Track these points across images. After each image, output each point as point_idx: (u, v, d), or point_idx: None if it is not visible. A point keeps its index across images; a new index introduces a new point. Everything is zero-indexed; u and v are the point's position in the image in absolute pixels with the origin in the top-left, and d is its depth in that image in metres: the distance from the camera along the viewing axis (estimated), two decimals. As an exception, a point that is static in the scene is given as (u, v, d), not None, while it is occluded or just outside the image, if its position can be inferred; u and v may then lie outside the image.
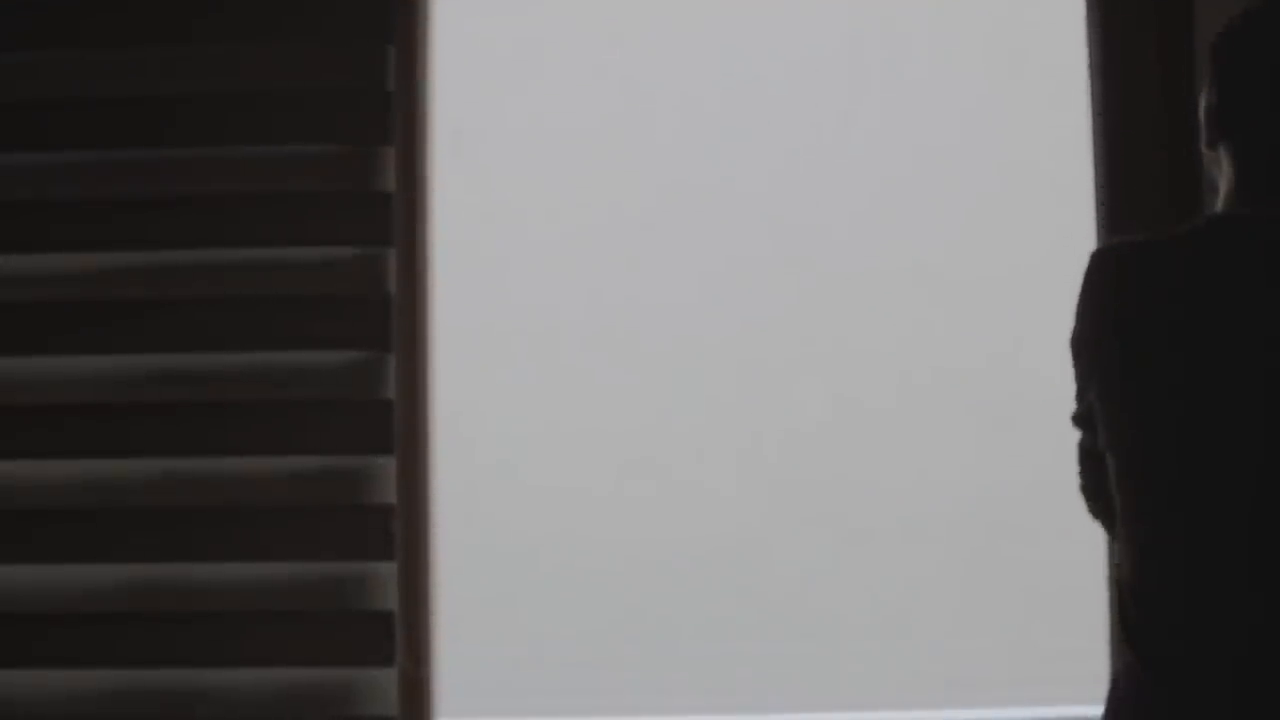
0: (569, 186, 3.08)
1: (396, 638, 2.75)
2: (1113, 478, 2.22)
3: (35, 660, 2.79)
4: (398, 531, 2.77)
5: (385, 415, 2.78)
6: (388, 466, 2.78)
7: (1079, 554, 2.83)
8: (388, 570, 2.77)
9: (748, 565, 3.07)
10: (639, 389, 3.13)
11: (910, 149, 3.00)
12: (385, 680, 2.76)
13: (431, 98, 2.87)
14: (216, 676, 2.76)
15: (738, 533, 3.09)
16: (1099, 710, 2.73)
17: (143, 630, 2.78)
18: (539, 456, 3.05)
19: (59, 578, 2.80)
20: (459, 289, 2.93)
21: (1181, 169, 2.74)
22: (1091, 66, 2.82)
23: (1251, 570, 2.11)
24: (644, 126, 3.13)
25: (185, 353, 2.81)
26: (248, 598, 2.77)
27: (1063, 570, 2.75)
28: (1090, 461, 2.37)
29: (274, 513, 2.78)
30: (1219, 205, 2.26)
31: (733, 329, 3.09)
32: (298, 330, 2.80)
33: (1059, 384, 2.92)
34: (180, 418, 2.80)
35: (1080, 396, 2.30)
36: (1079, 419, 2.35)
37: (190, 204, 2.82)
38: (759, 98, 3.10)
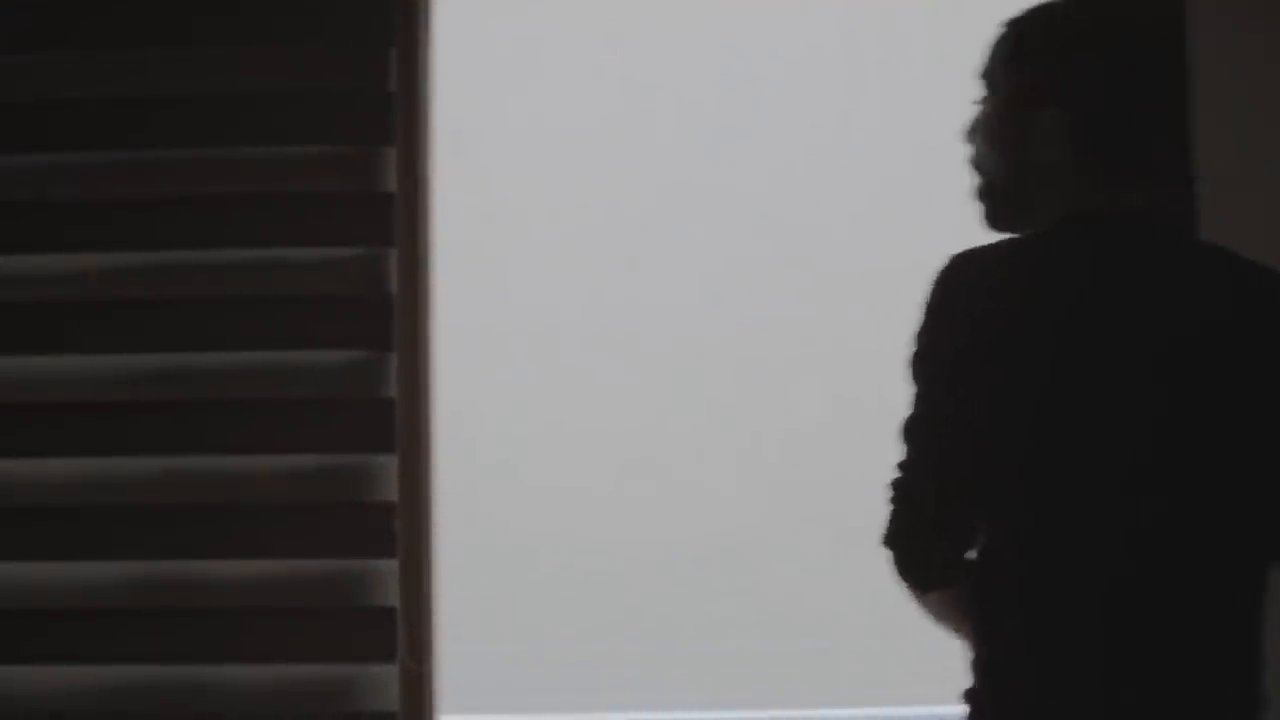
0: (569, 186, 3.10)
1: (398, 634, 2.77)
2: (960, 510, 2.11)
3: (36, 657, 2.80)
4: (399, 529, 2.78)
5: (386, 414, 2.79)
6: (389, 465, 2.79)
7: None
8: (389, 568, 2.78)
9: (747, 564, 3.09)
10: (639, 389, 3.14)
11: (908, 149, 3.01)
12: (386, 676, 2.77)
13: (432, 98, 2.87)
14: (218, 672, 2.77)
15: (737, 532, 3.10)
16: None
17: (144, 627, 2.79)
18: (539, 455, 3.07)
19: (60, 574, 2.81)
20: (460, 289, 2.95)
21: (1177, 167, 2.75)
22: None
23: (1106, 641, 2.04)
24: (644, 126, 3.15)
25: (187, 352, 2.82)
26: (249, 595, 2.78)
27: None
28: (919, 496, 2.14)
29: (276, 510, 2.79)
30: (1060, 205, 2.17)
31: (732, 329, 3.10)
32: (299, 329, 2.81)
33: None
34: (182, 416, 2.81)
35: (925, 419, 2.12)
36: (919, 445, 2.13)
37: (191, 204, 2.83)
38: (758, 98, 3.12)
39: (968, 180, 2.24)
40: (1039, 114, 2.15)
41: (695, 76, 2.90)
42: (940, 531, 2.12)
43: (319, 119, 2.83)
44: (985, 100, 2.23)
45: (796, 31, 3.03)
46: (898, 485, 2.14)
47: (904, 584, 2.17)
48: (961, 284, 2.09)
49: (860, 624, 2.93)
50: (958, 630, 2.19)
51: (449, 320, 2.88)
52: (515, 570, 3.01)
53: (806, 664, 2.89)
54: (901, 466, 2.13)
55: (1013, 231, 2.21)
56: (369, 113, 2.83)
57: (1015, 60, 2.19)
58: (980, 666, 2.12)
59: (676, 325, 2.96)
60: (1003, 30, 2.22)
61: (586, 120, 3.04)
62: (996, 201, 2.22)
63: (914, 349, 2.12)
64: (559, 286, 2.86)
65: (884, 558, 2.15)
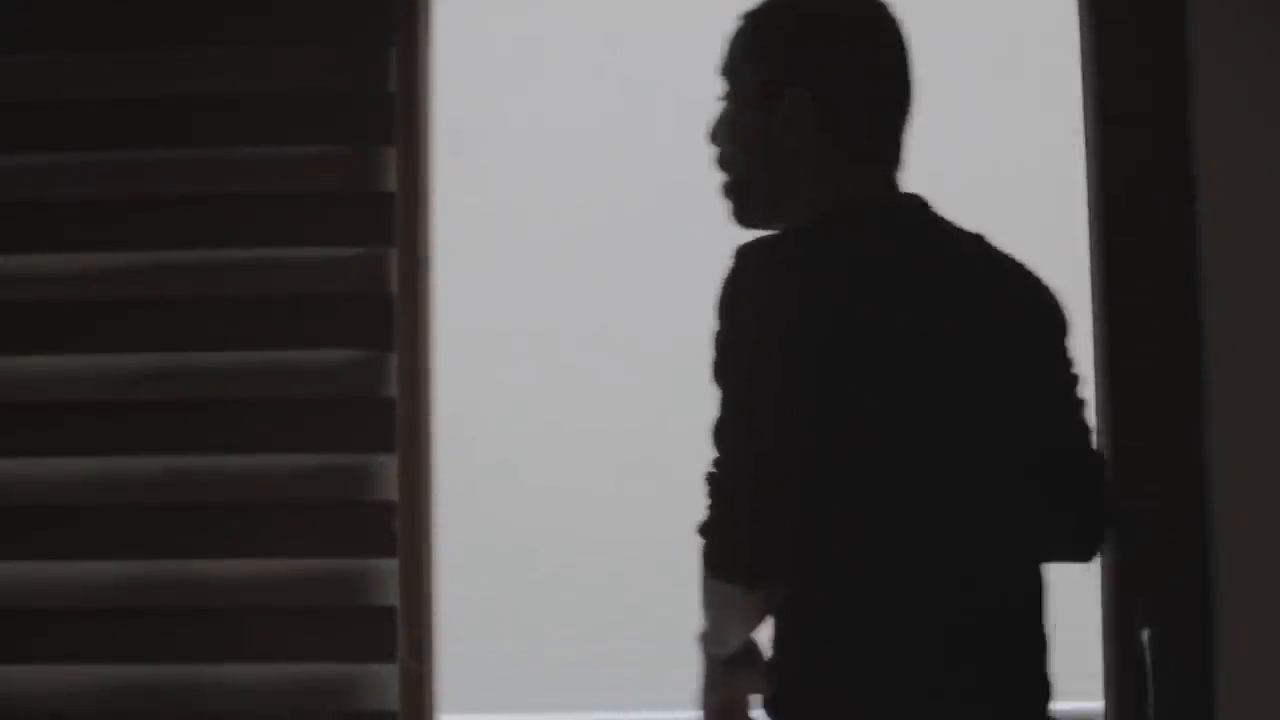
0: (569, 186, 3.10)
1: (398, 634, 2.77)
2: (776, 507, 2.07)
3: (36, 657, 2.81)
4: (399, 529, 2.78)
5: (387, 413, 2.79)
6: (389, 464, 2.80)
7: (1074, 551, 2.84)
8: (389, 567, 2.78)
9: (746, 563, 3.08)
10: (639, 389, 3.15)
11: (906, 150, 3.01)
12: (386, 675, 2.77)
13: (433, 98, 2.88)
14: (218, 672, 2.78)
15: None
16: (1093, 705, 2.75)
17: (143, 626, 2.79)
18: (539, 455, 3.07)
19: (60, 574, 2.81)
20: (460, 288, 2.95)
21: (1175, 167, 2.75)
22: (1084, 66, 2.83)
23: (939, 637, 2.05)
24: (643, 126, 3.15)
25: (186, 352, 2.82)
26: (249, 594, 2.78)
27: (1057, 566, 2.77)
28: (739, 489, 2.09)
29: (275, 510, 2.79)
30: (823, 192, 2.15)
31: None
32: (299, 329, 2.81)
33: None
34: (182, 416, 2.81)
35: (732, 419, 2.08)
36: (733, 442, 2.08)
37: (191, 204, 2.84)
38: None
39: (715, 179, 2.22)
40: (781, 101, 2.15)
41: (695, 76, 2.90)
42: (753, 530, 2.07)
43: (319, 119, 2.83)
44: (727, 96, 2.22)
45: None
46: (712, 481, 2.09)
47: (711, 575, 2.12)
48: (751, 280, 2.07)
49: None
50: (739, 631, 2.14)
51: (449, 319, 2.88)
52: (515, 570, 3.01)
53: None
54: (716, 465, 2.09)
55: (764, 227, 2.19)
56: (369, 113, 2.83)
57: (754, 51, 2.18)
58: (790, 670, 2.08)
59: (676, 325, 2.97)
60: (741, 23, 2.22)
61: (586, 120, 3.05)
62: (745, 197, 2.22)
63: (715, 349, 2.09)
64: (559, 286, 2.86)
65: (698, 546, 2.12)
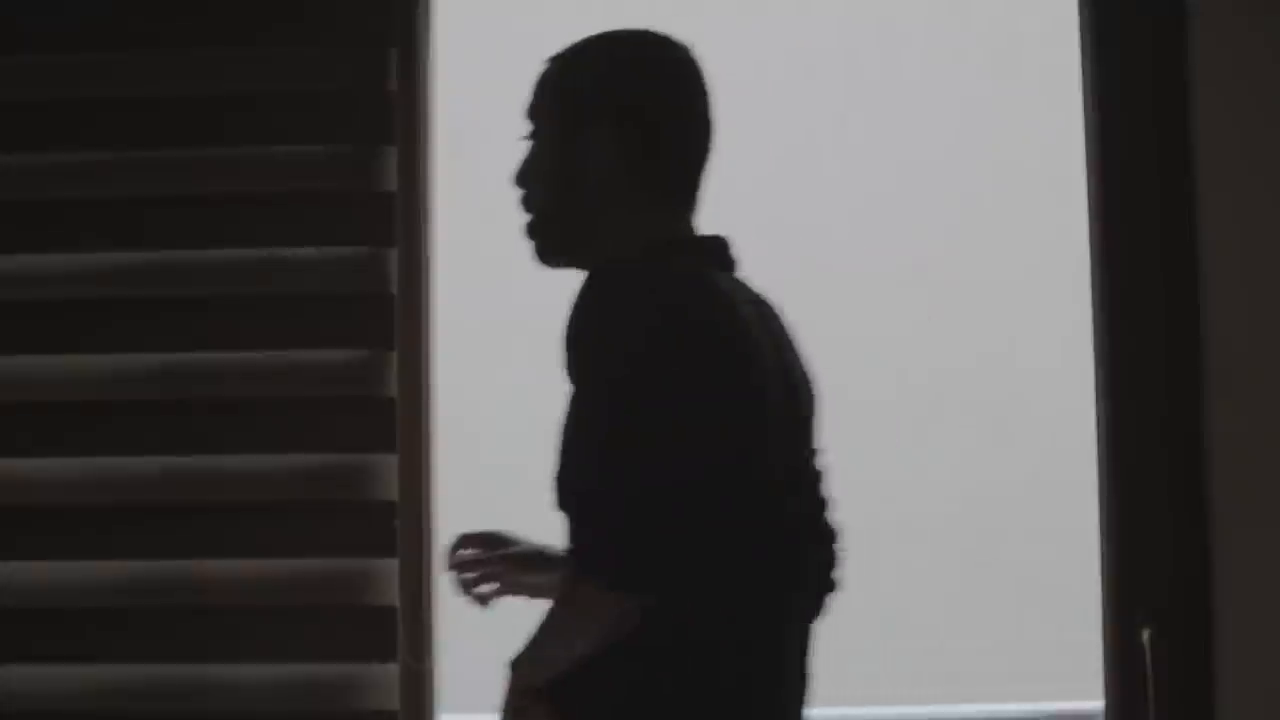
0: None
1: (398, 634, 2.77)
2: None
3: (37, 656, 2.81)
4: (399, 529, 2.78)
5: (387, 413, 2.80)
6: (390, 463, 2.80)
7: (1074, 550, 2.85)
8: (390, 566, 2.78)
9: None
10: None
11: (906, 150, 3.02)
12: (387, 675, 2.77)
13: (433, 98, 2.88)
14: (219, 671, 2.78)
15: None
16: (1093, 705, 2.76)
17: (144, 626, 2.79)
18: (540, 455, 3.07)
19: (60, 574, 2.81)
20: (460, 288, 2.95)
21: (1176, 169, 2.75)
22: (1085, 66, 2.84)
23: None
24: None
25: (188, 352, 2.82)
26: (250, 593, 2.78)
27: (1056, 566, 2.78)
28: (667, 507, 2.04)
29: (275, 510, 2.80)
30: (630, 229, 2.19)
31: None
32: (299, 329, 2.81)
33: (1053, 384, 2.94)
34: (182, 416, 2.81)
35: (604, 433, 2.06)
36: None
37: (192, 204, 2.84)
38: (755, 99, 3.12)
39: (522, 219, 2.24)
40: (587, 141, 2.18)
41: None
42: (663, 543, 2.03)
43: (319, 119, 2.83)
44: (533, 136, 2.25)
45: (794, 32, 3.04)
46: (616, 493, 2.03)
47: (608, 585, 2.04)
48: (619, 309, 2.06)
49: (858, 622, 2.93)
50: (580, 653, 2.08)
51: (450, 319, 2.88)
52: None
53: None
54: (614, 476, 2.04)
55: (565, 265, 2.23)
56: (369, 113, 2.83)
57: (562, 92, 2.22)
58: (638, 686, 2.06)
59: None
60: (548, 64, 2.26)
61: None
62: (549, 236, 2.24)
63: (621, 362, 2.05)
64: (559, 286, 2.86)
65: (589, 556, 2.04)
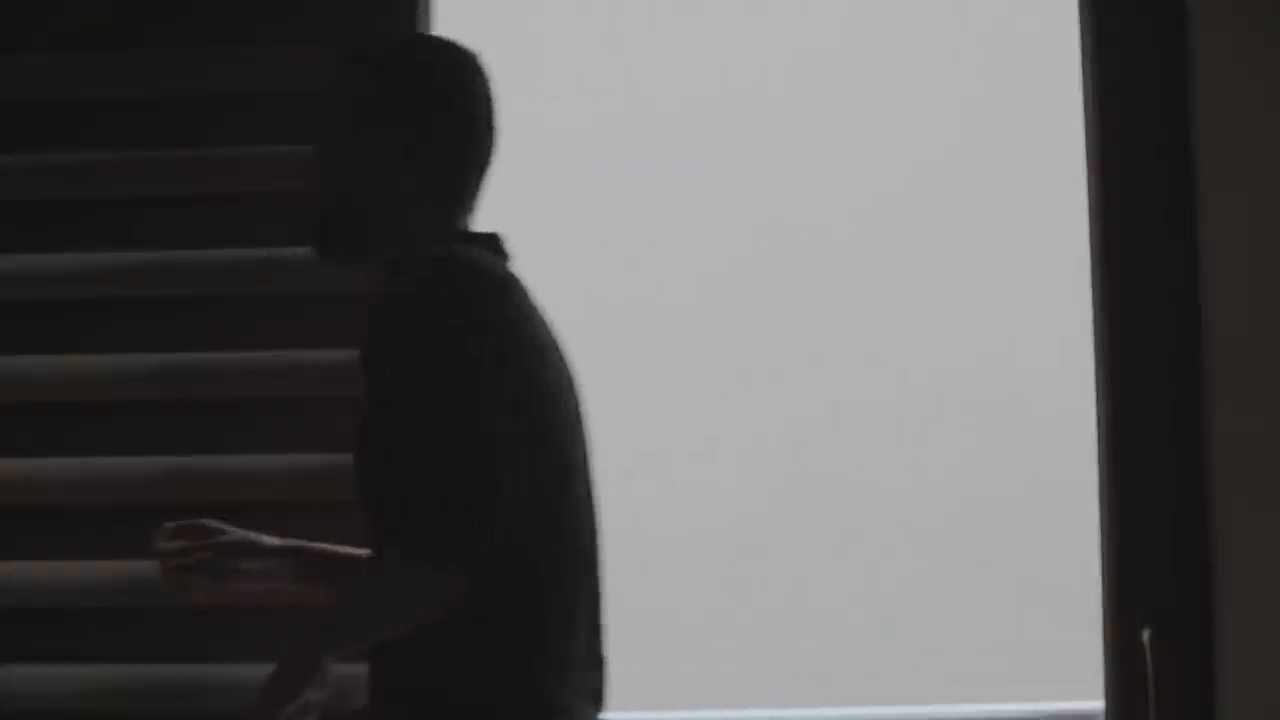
0: (569, 187, 3.11)
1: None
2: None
3: (37, 656, 2.81)
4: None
5: (387, 413, 2.79)
6: (389, 464, 2.79)
7: (1074, 550, 2.86)
8: (389, 567, 2.78)
9: (747, 562, 3.10)
10: (640, 389, 3.16)
11: (907, 151, 3.02)
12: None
13: (432, 99, 2.88)
14: (219, 671, 2.78)
15: (737, 530, 3.11)
16: (1094, 704, 2.76)
17: (144, 626, 2.79)
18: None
19: (61, 574, 2.81)
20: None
21: (1177, 169, 2.75)
22: (1086, 67, 2.84)
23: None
24: (643, 128, 3.16)
25: (188, 352, 2.82)
26: (250, 593, 2.78)
27: (1057, 566, 2.79)
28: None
29: (276, 510, 2.80)
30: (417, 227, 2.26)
31: (732, 329, 3.11)
32: (300, 328, 2.82)
33: (1054, 383, 2.94)
34: (182, 416, 2.82)
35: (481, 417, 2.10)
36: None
37: (192, 204, 2.84)
38: (757, 100, 3.13)
39: (313, 218, 2.29)
40: (377, 140, 2.25)
41: (695, 79, 2.91)
42: (474, 529, 2.06)
43: (319, 118, 2.83)
44: (326, 132, 2.30)
45: (796, 34, 3.04)
46: (444, 471, 2.06)
47: (432, 563, 2.05)
48: (418, 301, 2.10)
49: (860, 622, 2.94)
50: (387, 634, 2.09)
51: (449, 320, 2.87)
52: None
53: (806, 662, 2.90)
54: (444, 466, 2.06)
55: (347, 259, 2.28)
56: (369, 113, 2.83)
57: (355, 91, 2.28)
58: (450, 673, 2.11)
59: (677, 325, 2.97)
60: (344, 63, 2.31)
61: (586, 121, 3.05)
62: (333, 230, 2.28)
63: (454, 343, 2.09)
64: (560, 287, 2.87)
65: (413, 529, 2.05)
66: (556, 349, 2.25)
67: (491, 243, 2.28)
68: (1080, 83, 2.83)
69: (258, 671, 2.77)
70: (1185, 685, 2.68)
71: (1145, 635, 2.67)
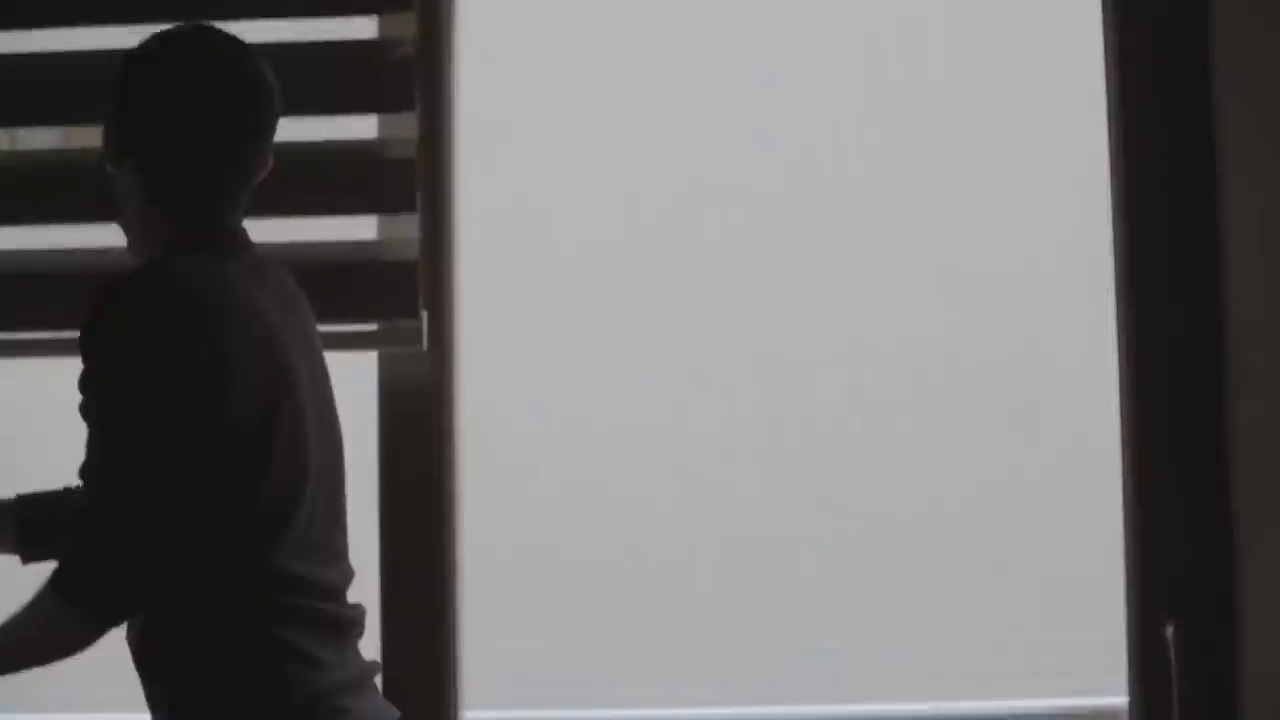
0: (590, 186, 3.11)
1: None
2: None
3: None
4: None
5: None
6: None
7: (1096, 547, 2.85)
8: (413, 566, 2.79)
9: (768, 561, 3.10)
10: (660, 388, 3.15)
11: (927, 148, 3.02)
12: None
13: (455, 100, 2.88)
14: None
15: (758, 529, 3.11)
16: (1117, 701, 2.76)
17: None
18: (561, 454, 3.08)
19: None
20: (482, 289, 2.96)
21: (1199, 167, 2.75)
22: (1108, 63, 2.84)
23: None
24: (664, 126, 3.16)
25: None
26: None
27: (1079, 563, 2.78)
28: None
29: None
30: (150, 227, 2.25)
31: (752, 328, 3.11)
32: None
33: (1077, 381, 2.94)
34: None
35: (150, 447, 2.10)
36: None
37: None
38: (777, 97, 3.13)
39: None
40: (114, 162, 2.25)
41: (715, 76, 2.91)
42: (153, 566, 2.08)
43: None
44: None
45: (815, 31, 3.04)
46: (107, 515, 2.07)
47: (76, 615, 2.07)
48: (105, 319, 2.12)
49: (880, 620, 2.93)
50: (43, 663, 2.12)
51: (471, 320, 2.89)
52: (539, 567, 3.02)
53: (827, 660, 2.90)
54: (117, 494, 2.07)
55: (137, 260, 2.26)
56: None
57: (110, 116, 2.26)
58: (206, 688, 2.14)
59: (698, 324, 2.97)
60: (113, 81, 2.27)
61: (608, 120, 3.05)
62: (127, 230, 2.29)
63: (136, 370, 2.09)
64: (580, 286, 2.87)
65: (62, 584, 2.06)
66: (278, 342, 2.18)
67: (223, 245, 2.23)
68: (1103, 80, 2.84)
69: None
70: (1209, 681, 2.68)
71: (1170, 631, 2.67)
